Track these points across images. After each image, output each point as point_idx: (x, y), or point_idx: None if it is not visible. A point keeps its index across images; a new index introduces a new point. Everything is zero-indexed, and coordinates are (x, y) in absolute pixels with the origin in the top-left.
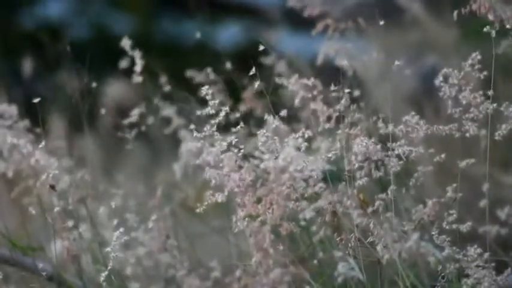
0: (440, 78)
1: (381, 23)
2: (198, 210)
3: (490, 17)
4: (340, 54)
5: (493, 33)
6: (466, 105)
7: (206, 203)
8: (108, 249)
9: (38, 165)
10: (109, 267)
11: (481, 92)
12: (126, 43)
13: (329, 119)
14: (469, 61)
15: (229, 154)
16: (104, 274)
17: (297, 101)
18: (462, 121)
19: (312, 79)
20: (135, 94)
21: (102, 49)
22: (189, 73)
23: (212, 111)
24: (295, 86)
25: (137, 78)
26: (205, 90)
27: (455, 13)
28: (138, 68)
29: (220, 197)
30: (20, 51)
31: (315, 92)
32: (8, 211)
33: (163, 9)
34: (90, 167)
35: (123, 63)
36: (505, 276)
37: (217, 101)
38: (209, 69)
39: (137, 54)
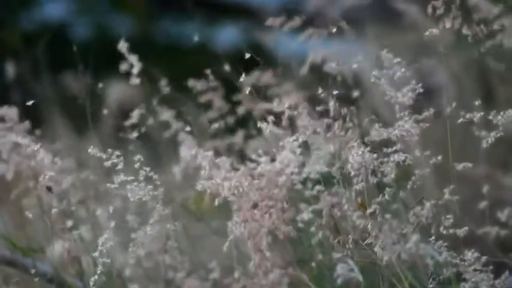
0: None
1: (377, 25)
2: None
3: (464, 31)
4: (330, 59)
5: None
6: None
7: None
8: (96, 254)
9: (38, 166)
10: (98, 272)
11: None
12: (123, 46)
13: (315, 132)
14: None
15: (223, 158)
16: (93, 279)
17: (283, 121)
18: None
19: (295, 97)
20: (136, 95)
21: (101, 50)
22: (191, 83)
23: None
24: (280, 107)
25: (135, 81)
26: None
27: (429, 31)
28: (135, 70)
29: (218, 200)
30: (20, 53)
31: (300, 109)
32: (8, 212)
33: (162, 10)
34: (91, 168)
35: (124, 65)
36: (503, 280)
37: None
38: (209, 75)
39: (134, 58)
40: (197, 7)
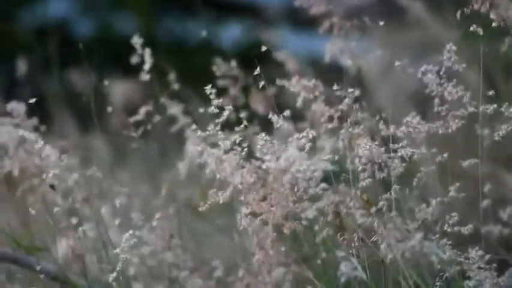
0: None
1: (382, 22)
2: (201, 209)
3: (492, 15)
4: (345, 53)
5: (480, 30)
6: (452, 102)
7: (209, 202)
8: (118, 250)
9: (44, 163)
10: (118, 269)
11: (461, 87)
12: (136, 41)
13: (330, 119)
14: (445, 53)
15: (230, 155)
16: (112, 275)
17: (298, 102)
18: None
19: (313, 80)
20: (139, 93)
21: (105, 48)
22: (216, 63)
23: (216, 111)
24: (296, 88)
25: (145, 77)
26: (209, 90)
27: (458, 13)
28: (147, 66)
29: (223, 197)
30: (24, 51)
31: (316, 93)
32: (12, 210)
33: (166, 8)
34: (97, 166)
35: (134, 61)
36: (506, 277)
37: (220, 100)
38: (233, 63)
39: (147, 52)
40: (201, 5)
